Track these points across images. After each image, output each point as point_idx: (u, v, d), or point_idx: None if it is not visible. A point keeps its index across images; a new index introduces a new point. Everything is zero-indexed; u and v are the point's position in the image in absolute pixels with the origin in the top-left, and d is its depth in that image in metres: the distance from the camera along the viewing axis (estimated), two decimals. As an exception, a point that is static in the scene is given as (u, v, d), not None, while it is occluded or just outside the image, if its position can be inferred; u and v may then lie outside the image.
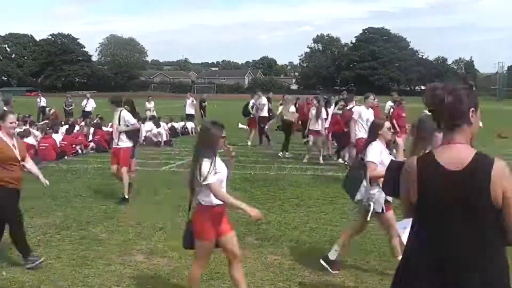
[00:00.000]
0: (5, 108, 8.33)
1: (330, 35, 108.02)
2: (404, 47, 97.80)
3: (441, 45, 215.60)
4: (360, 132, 10.43)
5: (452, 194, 2.25)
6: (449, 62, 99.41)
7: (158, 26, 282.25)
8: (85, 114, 22.89)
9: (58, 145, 14.15)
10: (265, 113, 17.28)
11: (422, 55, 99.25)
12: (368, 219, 5.39)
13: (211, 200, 4.27)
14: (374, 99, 11.26)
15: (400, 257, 2.70)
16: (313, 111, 13.97)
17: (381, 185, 4.33)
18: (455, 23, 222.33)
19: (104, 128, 16.93)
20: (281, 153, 14.63)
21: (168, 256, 6.06)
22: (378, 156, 5.18)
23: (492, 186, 2.19)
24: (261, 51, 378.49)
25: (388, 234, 5.45)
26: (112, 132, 10.92)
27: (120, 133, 8.90)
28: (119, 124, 8.91)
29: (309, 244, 6.54)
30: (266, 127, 17.51)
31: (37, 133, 15.20)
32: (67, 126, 16.35)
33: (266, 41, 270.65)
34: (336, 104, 14.30)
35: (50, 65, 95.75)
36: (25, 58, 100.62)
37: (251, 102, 17.63)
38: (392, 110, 14.37)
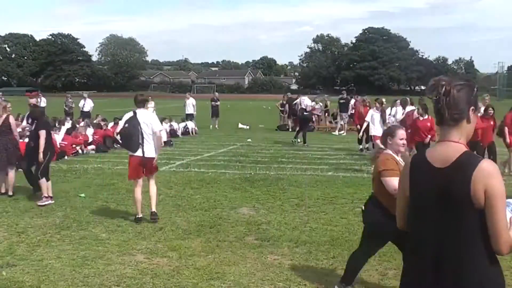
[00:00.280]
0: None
1: (330, 35, 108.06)
2: (404, 47, 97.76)
3: (441, 45, 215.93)
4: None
5: (435, 191, 2.26)
6: (449, 62, 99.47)
7: (158, 26, 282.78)
8: (84, 114, 22.78)
9: (58, 145, 14.14)
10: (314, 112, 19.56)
11: (422, 55, 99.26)
12: None
13: None
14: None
15: None
16: (373, 115, 13.60)
17: None
18: (455, 23, 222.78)
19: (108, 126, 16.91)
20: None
21: (168, 256, 6.06)
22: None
23: (472, 184, 2.16)
24: (261, 51, 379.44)
25: None
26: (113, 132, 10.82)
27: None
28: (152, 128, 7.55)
29: (309, 244, 6.53)
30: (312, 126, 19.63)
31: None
32: (68, 126, 16.36)
33: (266, 41, 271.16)
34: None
35: (50, 65, 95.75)
36: (25, 58, 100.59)
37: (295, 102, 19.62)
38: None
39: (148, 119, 7.54)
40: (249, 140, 18.69)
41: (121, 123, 7.65)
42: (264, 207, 8.51)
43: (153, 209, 7.59)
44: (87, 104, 24.44)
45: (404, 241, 2.80)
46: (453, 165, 2.23)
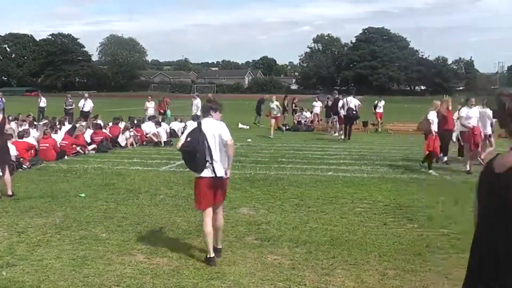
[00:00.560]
0: None
1: (330, 35, 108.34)
2: (404, 46, 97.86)
3: (441, 45, 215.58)
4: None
5: (492, 195, 2.37)
6: (449, 62, 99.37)
7: (158, 26, 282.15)
8: (84, 115, 22.78)
9: (58, 145, 14.15)
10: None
11: (422, 55, 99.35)
12: None
13: None
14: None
15: None
16: (481, 111, 12.73)
17: None
18: (455, 23, 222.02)
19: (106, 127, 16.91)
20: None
21: (168, 256, 6.06)
22: None
23: None
24: (261, 51, 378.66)
25: None
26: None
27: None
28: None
29: (309, 244, 6.53)
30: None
31: (37, 133, 15.21)
32: (69, 126, 16.36)
33: (266, 41, 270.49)
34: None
35: (50, 65, 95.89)
36: (25, 58, 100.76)
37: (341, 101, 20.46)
38: None
39: (216, 129, 5.91)
40: (249, 140, 18.70)
41: (183, 138, 6.02)
42: (264, 207, 8.51)
43: (219, 245, 6.15)
44: (87, 104, 24.43)
45: None
46: (510, 171, 2.33)
